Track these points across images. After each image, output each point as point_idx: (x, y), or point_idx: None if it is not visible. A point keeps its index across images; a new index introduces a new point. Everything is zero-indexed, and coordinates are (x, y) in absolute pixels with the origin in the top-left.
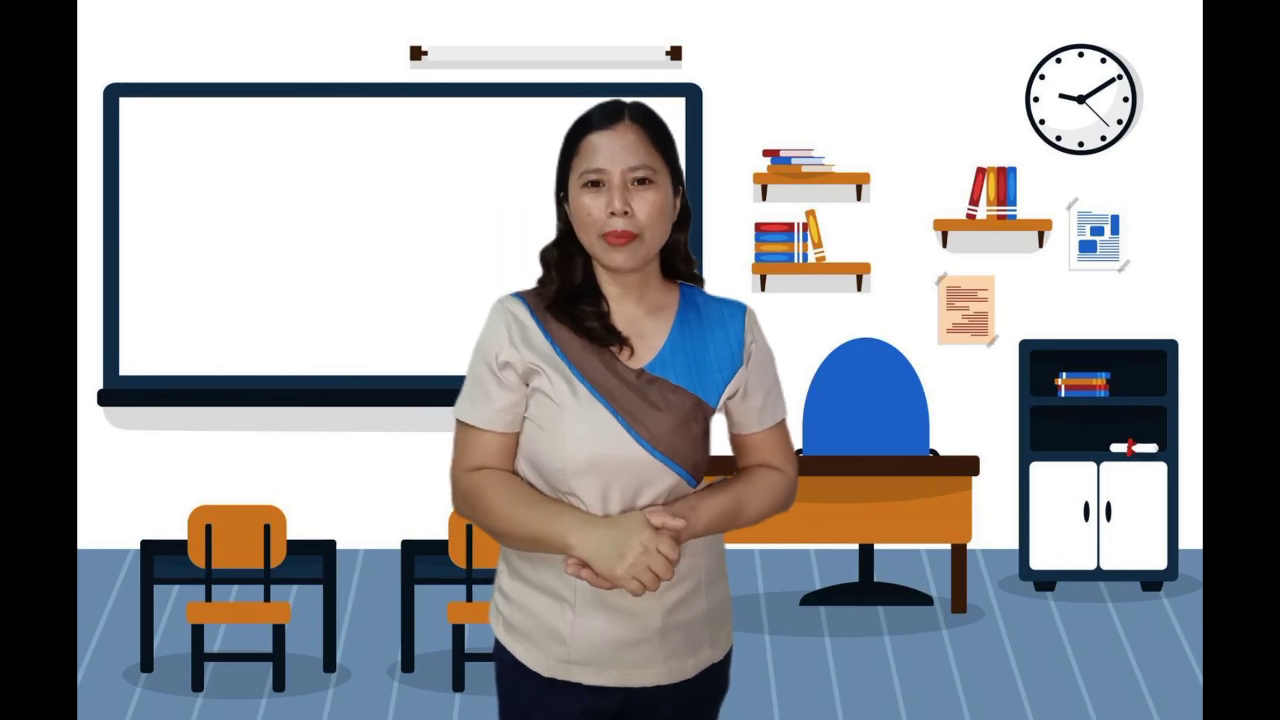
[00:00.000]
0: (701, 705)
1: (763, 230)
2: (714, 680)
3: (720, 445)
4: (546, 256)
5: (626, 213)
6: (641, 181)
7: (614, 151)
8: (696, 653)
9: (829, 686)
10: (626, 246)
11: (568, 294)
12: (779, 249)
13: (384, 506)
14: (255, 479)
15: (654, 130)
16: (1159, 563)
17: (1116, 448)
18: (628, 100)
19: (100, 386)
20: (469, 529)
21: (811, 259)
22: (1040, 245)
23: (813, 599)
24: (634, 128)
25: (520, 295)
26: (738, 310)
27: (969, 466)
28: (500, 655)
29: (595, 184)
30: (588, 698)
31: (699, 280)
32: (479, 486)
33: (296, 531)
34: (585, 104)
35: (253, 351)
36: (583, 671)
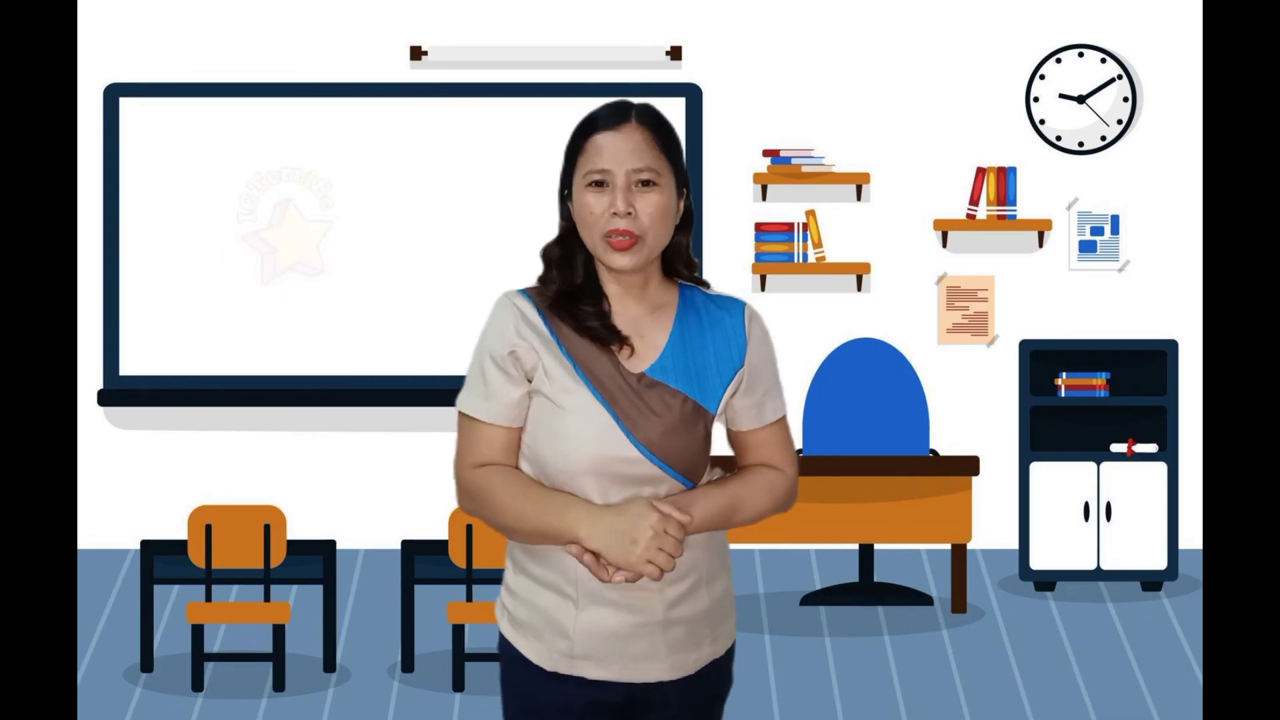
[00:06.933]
0: (706, 702)
1: (763, 230)
2: (717, 676)
3: (720, 446)
4: (548, 254)
5: (629, 214)
6: (645, 183)
7: (619, 152)
8: (698, 648)
9: (829, 686)
10: (629, 250)
11: (569, 293)
12: (779, 249)
13: (384, 506)
14: (255, 479)
15: (660, 133)
16: (1159, 563)
17: (1116, 448)
18: (636, 101)
19: (100, 386)
20: (469, 529)
21: (811, 259)
22: (1040, 245)
23: (813, 599)
24: (640, 129)
25: (525, 291)
26: (737, 310)
27: (969, 466)
28: (505, 650)
29: (599, 184)
30: (591, 691)
31: (701, 283)
32: (484, 483)
33: (296, 531)
34: (585, 104)
35: (253, 351)
36: (586, 665)
